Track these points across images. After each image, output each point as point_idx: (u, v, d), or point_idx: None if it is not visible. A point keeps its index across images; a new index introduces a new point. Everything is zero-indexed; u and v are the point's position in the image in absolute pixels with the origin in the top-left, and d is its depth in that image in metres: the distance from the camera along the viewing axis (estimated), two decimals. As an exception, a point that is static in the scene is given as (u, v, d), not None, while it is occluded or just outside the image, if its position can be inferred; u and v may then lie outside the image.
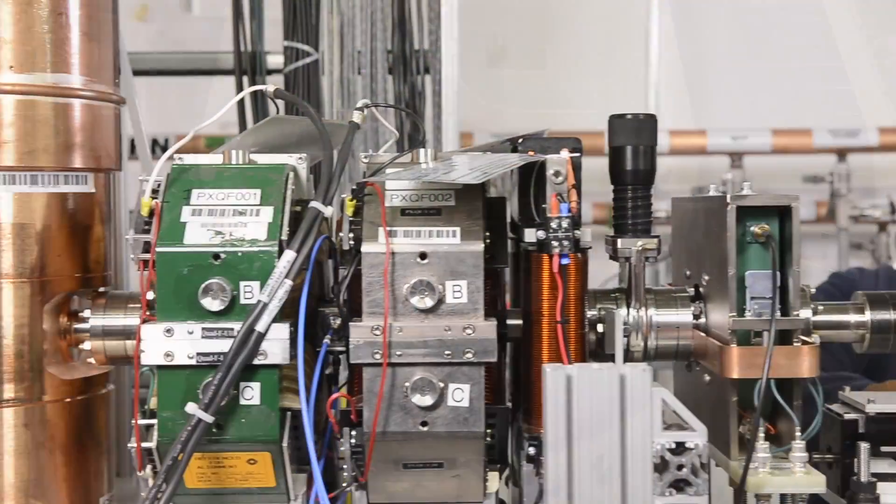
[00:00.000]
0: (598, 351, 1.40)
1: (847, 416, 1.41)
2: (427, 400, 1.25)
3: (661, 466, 1.08)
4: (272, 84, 1.50)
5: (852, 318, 1.43)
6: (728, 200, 1.31)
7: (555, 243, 1.22)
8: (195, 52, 2.68)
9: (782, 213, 1.32)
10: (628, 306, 1.42)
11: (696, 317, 1.41)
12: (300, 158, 1.40)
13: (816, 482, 1.21)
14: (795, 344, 1.28)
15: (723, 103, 4.30)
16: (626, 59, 4.36)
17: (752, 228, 1.31)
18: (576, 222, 1.25)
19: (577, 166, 1.34)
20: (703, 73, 4.37)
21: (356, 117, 1.38)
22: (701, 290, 1.42)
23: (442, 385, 1.26)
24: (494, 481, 1.36)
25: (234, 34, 2.46)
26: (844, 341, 1.44)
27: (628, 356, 1.43)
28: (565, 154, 1.32)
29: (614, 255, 1.42)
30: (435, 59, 2.43)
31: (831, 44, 4.24)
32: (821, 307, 1.43)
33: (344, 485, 1.33)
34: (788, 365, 1.25)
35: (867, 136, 3.76)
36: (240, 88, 2.48)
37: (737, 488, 1.19)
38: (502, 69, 4.46)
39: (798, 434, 1.24)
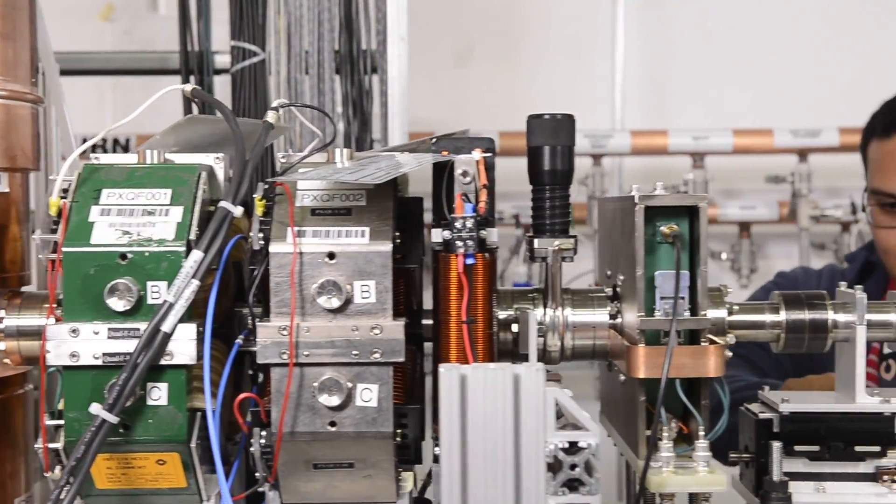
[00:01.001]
0: (514, 351, 1.40)
1: (762, 416, 1.42)
2: (334, 400, 1.25)
3: (554, 466, 1.08)
4: (191, 84, 1.50)
5: (768, 317, 1.43)
6: (636, 200, 1.31)
7: (459, 243, 1.22)
8: (144, 52, 2.68)
9: (693, 213, 1.33)
10: (545, 306, 1.42)
11: (613, 317, 1.41)
12: (217, 158, 1.41)
13: (717, 481, 1.21)
14: (703, 343, 1.28)
15: (690, 103, 4.31)
16: (593, 59, 4.36)
17: (661, 228, 1.31)
18: (482, 222, 1.25)
19: (490, 166, 1.34)
20: (670, 74, 4.38)
21: (270, 117, 1.38)
22: (618, 289, 1.42)
23: (350, 385, 1.26)
24: (409, 481, 1.36)
25: (181, 34, 2.46)
26: (760, 341, 1.45)
27: (546, 356, 1.43)
28: (477, 154, 1.32)
29: (531, 255, 1.42)
30: (382, 59, 2.42)
31: (795, 44, 4.26)
32: (736, 307, 1.43)
33: (256, 485, 1.33)
34: (694, 364, 1.25)
35: (828, 136, 3.77)
36: (187, 88, 2.47)
37: (638, 488, 1.19)
38: (468, 69, 4.46)
39: (702, 433, 1.25)
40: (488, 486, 1.07)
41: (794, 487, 1.39)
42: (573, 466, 1.08)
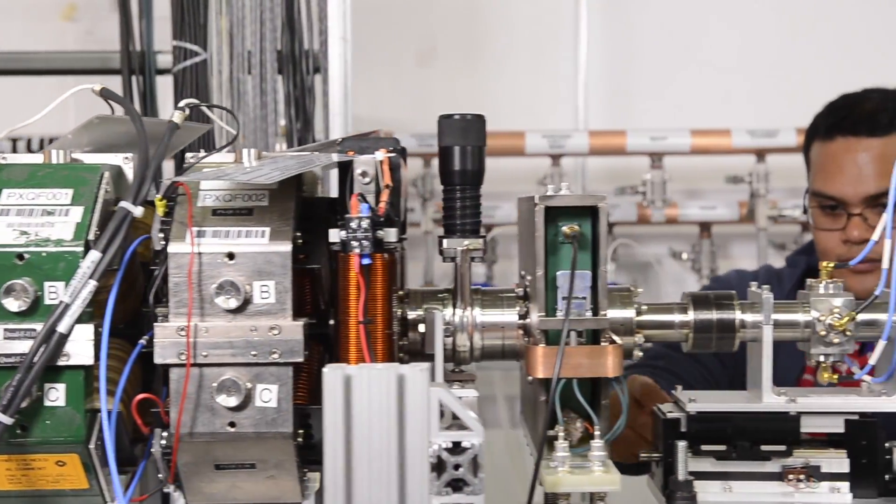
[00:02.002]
0: (423, 351, 1.41)
1: (669, 416, 1.43)
2: (233, 401, 1.25)
3: (438, 466, 1.08)
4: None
5: (676, 318, 1.44)
6: (537, 201, 1.31)
7: (354, 243, 1.22)
8: (86, 52, 2.67)
9: (596, 214, 1.33)
10: (454, 306, 1.42)
11: (523, 317, 1.41)
12: (126, 158, 1.40)
13: (611, 481, 1.21)
14: (603, 344, 1.29)
15: (653, 104, 4.32)
16: (556, 59, 4.37)
17: (562, 229, 1.32)
18: (381, 223, 1.25)
19: (395, 167, 1.34)
20: (633, 74, 4.39)
21: (177, 117, 1.38)
22: (527, 289, 1.42)
23: (249, 386, 1.26)
24: (316, 482, 1.36)
25: (122, 33, 2.45)
26: (670, 340, 1.45)
27: (455, 356, 1.44)
28: (380, 155, 1.32)
29: (441, 255, 1.43)
30: (325, 59, 2.42)
31: (757, 44, 4.28)
32: (644, 307, 1.44)
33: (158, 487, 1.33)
34: (591, 364, 1.26)
35: (786, 136, 3.78)
36: (128, 88, 2.47)
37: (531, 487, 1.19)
38: (432, 69, 4.46)
39: (597, 433, 1.25)
40: (373, 486, 1.07)
41: (701, 487, 1.40)
42: (457, 466, 1.08)
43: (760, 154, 3.83)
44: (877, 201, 2.04)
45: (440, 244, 1.42)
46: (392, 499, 1.07)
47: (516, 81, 4.39)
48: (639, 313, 1.43)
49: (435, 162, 3.96)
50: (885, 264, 1.39)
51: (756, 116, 4.05)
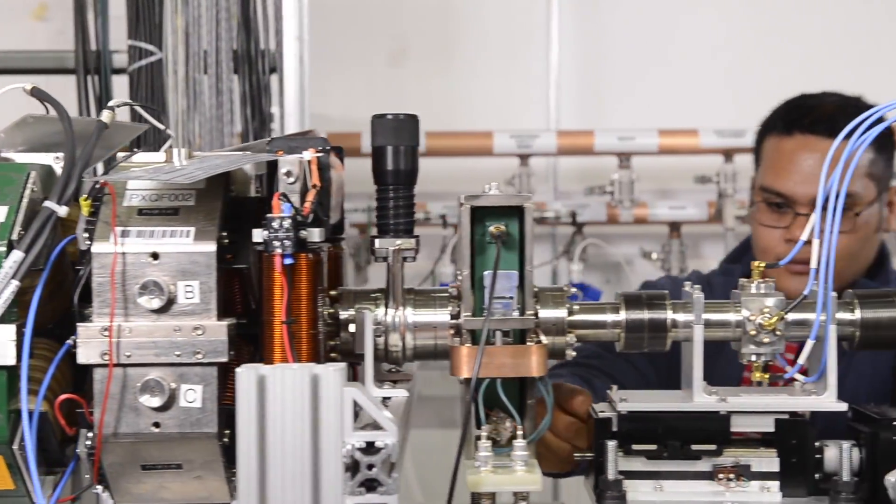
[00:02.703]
0: (354, 351, 1.41)
1: (601, 415, 1.43)
2: (156, 401, 1.25)
3: (352, 466, 1.08)
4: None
5: (608, 317, 1.44)
6: (462, 201, 1.31)
7: (276, 243, 1.22)
8: (43, 52, 2.66)
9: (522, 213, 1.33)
10: (386, 306, 1.42)
11: (455, 317, 1.41)
12: (57, 157, 1.40)
13: (533, 480, 1.22)
14: (529, 343, 1.29)
15: (624, 104, 4.32)
16: (528, 59, 4.37)
17: (489, 228, 1.32)
18: (304, 223, 1.25)
19: (323, 166, 1.34)
20: (605, 74, 4.39)
21: (105, 116, 1.38)
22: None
23: (174, 386, 1.26)
24: (246, 482, 1.36)
25: (76, 32, 2.44)
26: (602, 340, 1.45)
27: (388, 356, 1.44)
28: (308, 154, 1.32)
29: (373, 255, 1.43)
30: (281, 59, 2.42)
31: (727, 45, 4.29)
32: (576, 307, 1.44)
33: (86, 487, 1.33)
34: (514, 364, 1.26)
35: (753, 136, 3.79)
36: (83, 87, 2.47)
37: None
38: (404, 69, 4.46)
39: (520, 433, 1.26)
40: (286, 486, 1.07)
41: (633, 486, 1.40)
42: (370, 466, 1.08)
43: (728, 154, 3.83)
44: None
45: (371, 244, 1.42)
46: (306, 499, 1.07)
47: (488, 81, 4.39)
48: (571, 313, 1.43)
49: (404, 162, 3.96)
50: (813, 264, 1.39)
51: (727, 116, 4.06)
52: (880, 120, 1.41)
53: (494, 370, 1.26)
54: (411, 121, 1.44)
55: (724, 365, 2.02)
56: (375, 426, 1.10)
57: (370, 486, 1.09)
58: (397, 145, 1.43)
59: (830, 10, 4.22)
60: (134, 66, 2.40)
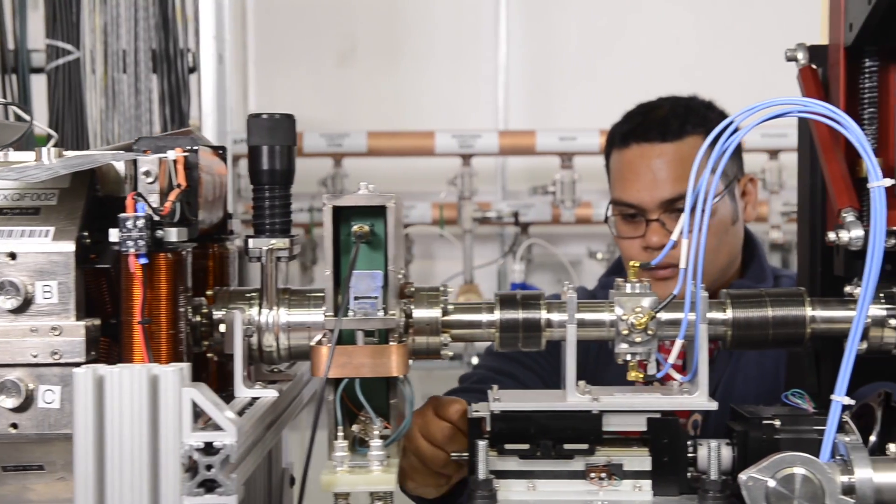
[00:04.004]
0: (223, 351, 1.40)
1: (474, 415, 1.43)
2: (12, 402, 1.24)
3: (190, 467, 1.08)
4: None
5: (484, 317, 1.44)
6: (325, 201, 1.31)
7: (129, 243, 1.21)
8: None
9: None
10: (260, 307, 1.42)
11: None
12: (-51, 158, 1.40)
13: (387, 480, 1.21)
14: (391, 343, 1.29)
15: (572, 104, 4.34)
16: (477, 59, 4.38)
17: (353, 228, 1.32)
18: (160, 222, 1.24)
19: (191, 166, 1.33)
20: (553, 74, 4.40)
21: (-28, 116, 1.37)
22: (340, 289, 1.42)
23: (31, 387, 1.25)
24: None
25: (-8, 31, 2.43)
26: (479, 340, 1.45)
27: (263, 356, 1.43)
28: (172, 154, 1.31)
29: (247, 255, 1.42)
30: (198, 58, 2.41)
31: (675, 46, 4.30)
32: (451, 307, 1.44)
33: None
34: (373, 364, 1.26)
35: (696, 137, 3.80)
36: (1, 86, 2.45)
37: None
38: (352, 68, 4.45)
39: (376, 433, 1.25)
40: (125, 487, 1.07)
41: (506, 485, 1.40)
42: (209, 467, 1.08)
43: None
44: (673, 206, 2.04)
45: (245, 244, 1.42)
46: (144, 500, 1.07)
47: (437, 81, 4.40)
48: (445, 313, 1.43)
49: (346, 162, 3.96)
50: (682, 264, 1.40)
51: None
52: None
53: (353, 370, 1.25)
54: (287, 120, 1.44)
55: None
56: (216, 426, 1.09)
57: (209, 486, 1.08)
58: (272, 145, 1.43)
59: (781, 12, 4.23)
60: (52, 65, 2.38)
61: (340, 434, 1.24)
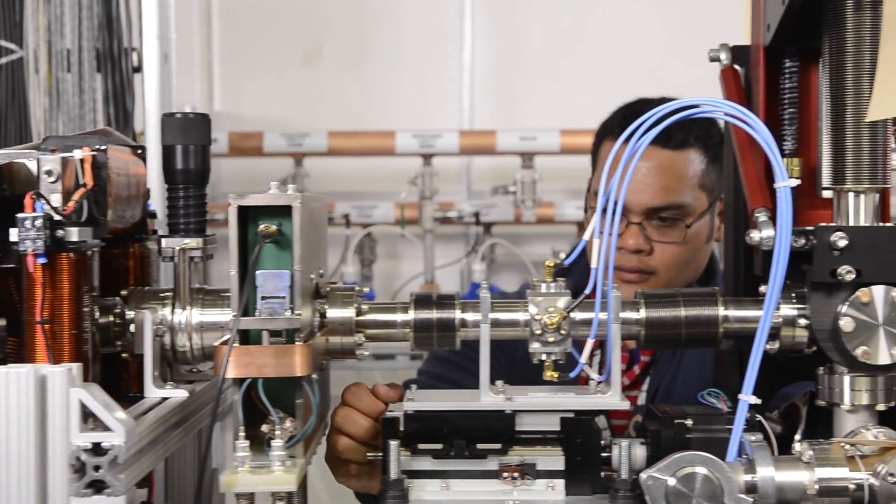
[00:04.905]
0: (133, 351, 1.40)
1: (388, 415, 1.43)
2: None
3: (79, 467, 1.08)
4: None
5: (398, 317, 1.44)
6: (230, 201, 1.31)
7: (28, 242, 1.21)
8: None
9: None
10: (173, 307, 1.42)
11: (245, 316, 1.40)
12: None
13: (287, 480, 1.21)
14: (297, 343, 1.29)
15: (538, 103, 4.33)
16: (443, 59, 4.37)
17: (259, 228, 1.31)
18: (61, 222, 1.24)
19: (99, 165, 1.33)
20: (518, 74, 4.40)
21: None
22: (250, 289, 1.42)
23: (-66, 387, 1.24)
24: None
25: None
26: (394, 340, 1.45)
27: (177, 356, 1.43)
28: (78, 153, 1.31)
29: (160, 255, 1.42)
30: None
31: (640, 45, 4.31)
32: (365, 307, 1.44)
33: None
34: (276, 364, 1.25)
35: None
36: (-57, 86, 2.44)
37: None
38: (319, 68, 4.45)
39: (278, 433, 1.25)
40: (11, 487, 1.06)
41: (420, 485, 1.40)
42: (97, 468, 1.07)
43: (631, 154, 3.84)
44: (657, 214, 2.02)
45: (158, 244, 1.42)
46: (31, 500, 1.06)
47: (403, 81, 4.39)
48: (359, 313, 1.43)
49: (308, 162, 3.96)
50: (593, 264, 1.40)
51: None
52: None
53: (256, 370, 1.25)
54: (201, 120, 1.44)
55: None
56: (105, 427, 1.09)
57: (98, 487, 1.08)
58: (186, 144, 1.42)
59: (741, 10, 4.24)
60: (-7, 64, 2.37)
61: (242, 434, 1.24)
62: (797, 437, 1.47)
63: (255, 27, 4.46)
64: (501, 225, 4.06)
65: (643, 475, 1.25)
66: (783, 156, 1.55)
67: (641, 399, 2.12)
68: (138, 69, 2.46)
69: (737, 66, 1.66)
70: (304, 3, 4.45)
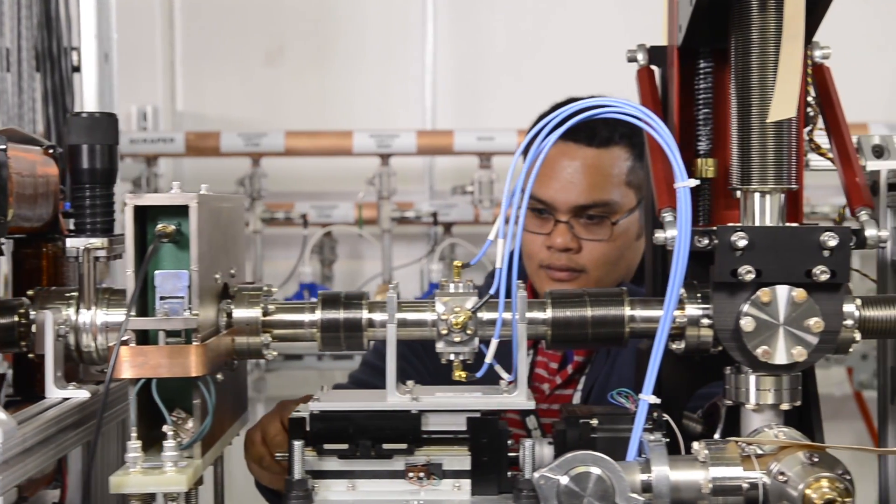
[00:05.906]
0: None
1: (294, 415, 1.42)
2: None
3: (-43, 468, 1.07)
4: None
5: (306, 317, 1.44)
6: (126, 200, 1.30)
7: (-87, 241, 1.21)
8: None
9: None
10: (78, 307, 1.41)
11: (150, 316, 1.40)
12: None
13: (177, 481, 1.21)
14: (194, 343, 1.28)
15: (501, 104, 4.33)
16: (406, 59, 4.37)
17: (157, 227, 1.31)
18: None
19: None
20: (481, 74, 4.40)
21: None
22: (156, 289, 1.41)
23: None
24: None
25: None
26: (301, 340, 1.45)
27: (82, 356, 1.42)
28: (-21, 152, 1.31)
29: (65, 254, 1.42)
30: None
31: (603, 45, 4.30)
32: (272, 307, 1.44)
33: None
34: (170, 364, 1.25)
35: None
36: None
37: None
38: (282, 68, 4.44)
39: (172, 433, 1.25)
40: None
41: (325, 486, 1.40)
42: (-25, 468, 1.07)
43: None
44: (584, 212, 2.03)
45: (63, 243, 1.41)
46: None
47: (366, 82, 4.39)
48: (266, 313, 1.43)
49: (266, 162, 3.95)
50: (498, 264, 1.40)
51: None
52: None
53: (150, 370, 1.25)
54: (108, 119, 1.43)
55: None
56: None
57: (-24, 487, 1.08)
58: (92, 144, 1.42)
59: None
60: (-69, 64, 2.36)
61: (134, 435, 1.23)
62: (716, 436, 1.48)
63: (217, 27, 4.46)
64: (462, 225, 4.06)
65: (536, 474, 1.25)
66: (698, 155, 1.57)
67: (576, 398, 2.12)
68: (78, 69, 2.45)
69: (654, 67, 1.66)
70: (267, 3, 4.45)
